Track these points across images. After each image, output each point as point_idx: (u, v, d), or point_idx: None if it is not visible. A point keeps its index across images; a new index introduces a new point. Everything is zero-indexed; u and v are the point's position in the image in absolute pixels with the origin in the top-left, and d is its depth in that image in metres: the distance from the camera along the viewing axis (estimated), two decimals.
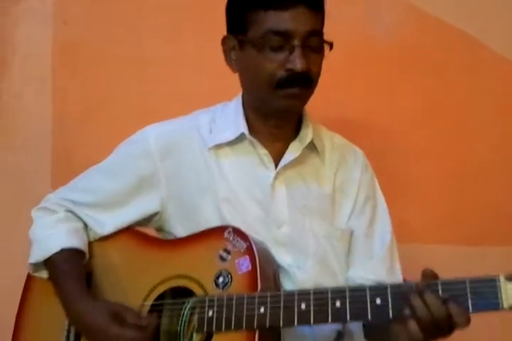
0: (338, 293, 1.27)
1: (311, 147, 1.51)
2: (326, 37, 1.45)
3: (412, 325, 1.21)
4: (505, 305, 1.16)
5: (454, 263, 1.71)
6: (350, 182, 1.54)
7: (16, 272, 1.61)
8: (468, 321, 1.19)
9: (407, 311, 1.21)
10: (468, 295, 1.18)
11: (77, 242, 1.49)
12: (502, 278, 1.17)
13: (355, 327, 1.43)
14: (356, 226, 1.52)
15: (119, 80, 2.09)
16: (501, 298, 1.16)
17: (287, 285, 1.42)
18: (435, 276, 1.22)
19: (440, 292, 1.19)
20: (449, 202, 2.02)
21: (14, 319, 1.54)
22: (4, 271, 1.99)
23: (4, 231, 2.04)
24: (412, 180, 2.05)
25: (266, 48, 1.39)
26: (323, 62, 1.45)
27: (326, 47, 1.43)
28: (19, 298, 1.55)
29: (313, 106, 1.52)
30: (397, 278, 1.48)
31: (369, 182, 1.56)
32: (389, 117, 2.03)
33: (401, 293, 1.22)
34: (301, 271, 1.44)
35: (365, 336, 1.43)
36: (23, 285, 1.56)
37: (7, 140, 2.10)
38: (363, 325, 1.43)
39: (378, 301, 1.23)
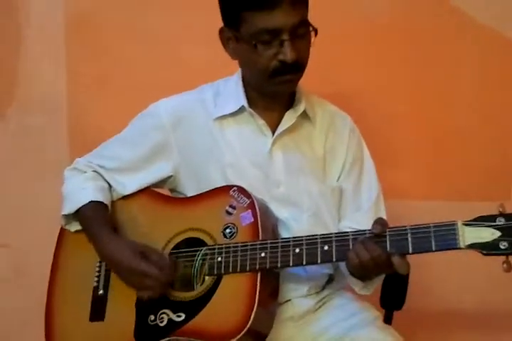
0: (326, 238, 1.58)
1: (304, 115, 1.78)
2: (316, 14, 1.66)
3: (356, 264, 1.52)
4: (462, 245, 1.47)
5: (442, 218, 1.98)
6: (340, 145, 1.80)
7: (41, 229, 1.93)
8: (406, 264, 1.50)
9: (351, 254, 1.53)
10: (432, 237, 1.50)
11: (103, 198, 1.77)
12: (459, 223, 1.49)
13: (343, 267, 1.67)
14: (346, 184, 1.79)
15: (129, 51, 2.33)
16: (459, 239, 1.47)
17: (285, 235, 1.70)
18: (385, 224, 1.53)
19: (409, 235, 1.51)
20: (436, 160, 2.31)
21: (50, 268, 1.83)
22: (31, 228, 2.29)
23: (26, 190, 2.33)
24: (400, 143, 2.36)
25: (258, 44, 1.62)
26: (317, 39, 1.66)
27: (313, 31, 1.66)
28: (50, 251, 1.84)
29: (309, 82, 1.77)
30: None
31: (356, 145, 1.82)
32: (378, 88, 2.32)
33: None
34: (297, 223, 1.73)
35: (351, 274, 1.66)
36: (47, 242, 1.84)
37: (26, 107, 2.35)
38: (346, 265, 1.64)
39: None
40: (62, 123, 2.35)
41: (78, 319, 1.72)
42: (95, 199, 1.76)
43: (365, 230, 1.57)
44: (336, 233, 1.61)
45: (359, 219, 1.75)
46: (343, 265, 1.65)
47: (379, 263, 1.52)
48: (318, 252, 1.57)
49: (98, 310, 1.72)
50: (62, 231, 1.84)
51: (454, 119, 2.33)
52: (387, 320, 1.79)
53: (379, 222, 1.56)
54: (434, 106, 2.34)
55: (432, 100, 2.34)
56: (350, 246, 1.55)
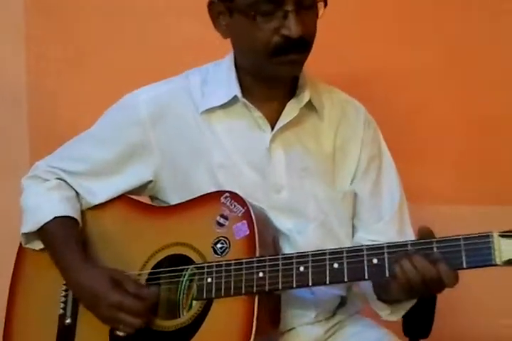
0: (336, 254, 1.55)
1: (309, 106, 1.74)
2: None
3: (404, 284, 1.50)
4: (498, 261, 1.45)
5: (473, 224, 1.90)
6: (352, 141, 1.76)
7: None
8: (456, 280, 1.49)
9: (399, 272, 1.50)
10: (463, 252, 1.47)
11: (71, 210, 1.73)
12: (495, 235, 1.46)
13: (367, 290, 1.67)
14: (361, 188, 1.75)
15: (100, 32, 2.32)
16: (494, 254, 1.45)
17: (287, 250, 1.67)
18: (431, 234, 1.51)
19: (435, 250, 1.49)
20: (467, 160, 2.31)
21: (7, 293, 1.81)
22: None
23: None
24: (426, 137, 2.33)
25: (257, 16, 1.59)
26: (330, 17, 1.64)
27: (321, 6, 1.64)
28: (8, 271, 1.83)
29: (322, 62, 1.75)
30: (410, 238, 1.65)
31: (372, 140, 1.78)
32: (400, 72, 2.30)
33: (396, 253, 1.51)
34: (302, 236, 1.69)
35: (378, 297, 1.68)
36: (9, 259, 1.83)
37: None
38: (373, 286, 1.67)
39: (375, 261, 1.52)
40: (22, 117, 2.34)
41: None
42: (61, 214, 1.73)
43: (382, 244, 1.55)
44: (347, 248, 1.58)
45: (380, 230, 1.73)
46: (361, 285, 1.64)
47: (427, 281, 1.49)
48: (327, 271, 1.55)
49: None
50: (22, 249, 1.82)
51: (491, 111, 2.31)
52: None
53: (425, 230, 1.52)
54: (467, 94, 2.32)
55: (465, 87, 2.32)
56: (365, 263, 1.53)
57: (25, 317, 1.77)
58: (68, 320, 1.71)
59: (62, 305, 1.74)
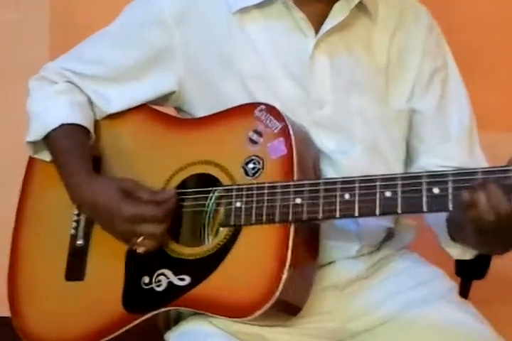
0: (389, 180, 1.40)
1: (361, 8, 1.60)
2: None
3: (473, 221, 1.33)
4: None
5: None
6: (411, 50, 1.62)
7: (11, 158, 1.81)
8: None
9: (465, 206, 1.32)
10: None
11: (81, 118, 1.63)
12: None
13: (435, 223, 1.57)
14: (423, 105, 1.63)
15: None
16: None
17: (329, 173, 1.55)
18: None
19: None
20: None
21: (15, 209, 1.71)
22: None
23: None
24: (490, 56, 2.24)
25: None
26: None
27: None
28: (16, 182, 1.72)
29: None
30: (481, 164, 1.58)
31: (437, 49, 1.65)
32: None
33: (463, 182, 1.34)
34: (347, 158, 1.57)
35: (450, 234, 1.55)
36: (19, 172, 1.73)
37: None
38: (447, 220, 1.54)
39: (436, 190, 1.35)
40: (44, 18, 2.29)
41: (50, 277, 1.64)
42: (69, 122, 1.63)
43: (446, 171, 1.39)
44: (403, 174, 1.49)
45: (448, 153, 1.62)
46: (430, 219, 1.57)
47: (502, 218, 1.31)
48: (378, 200, 1.41)
49: (76, 267, 1.63)
50: (32, 160, 1.72)
51: None
52: (464, 292, 1.75)
53: None
54: None
55: None
56: (424, 193, 1.37)
57: (33, 237, 1.69)
58: (80, 241, 1.64)
59: (74, 224, 1.65)
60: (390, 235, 1.68)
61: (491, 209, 1.31)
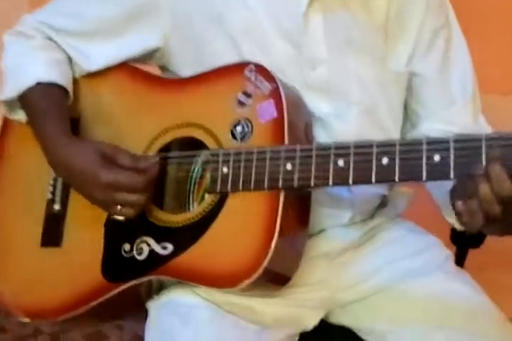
0: (386, 146, 1.34)
1: None
2: None
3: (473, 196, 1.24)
4: None
5: None
6: (411, 8, 1.56)
7: None
8: None
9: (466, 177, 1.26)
10: None
11: (58, 76, 1.58)
12: None
13: (438, 193, 1.52)
14: (424, 66, 1.58)
15: None
16: None
17: (322, 138, 1.50)
18: None
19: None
20: None
21: None
22: None
23: None
24: (487, 18, 2.22)
25: None
26: None
27: None
28: None
29: None
30: (485, 130, 1.53)
31: (439, 7, 1.59)
32: None
33: (466, 150, 1.27)
34: (341, 122, 1.52)
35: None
36: None
37: None
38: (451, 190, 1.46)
39: (437, 157, 1.29)
40: None
41: (25, 243, 1.62)
42: (46, 80, 1.58)
43: (447, 137, 1.30)
44: (402, 139, 1.45)
45: (451, 118, 1.57)
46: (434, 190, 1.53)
47: (505, 200, 1.23)
48: (374, 167, 1.35)
49: (53, 232, 1.60)
50: (7, 121, 1.69)
51: None
52: (459, 261, 1.73)
53: None
54: None
55: None
56: (424, 160, 1.32)
57: (8, 201, 1.67)
58: (57, 206, 1.61)
59: (51, 188, 1.62)
60: (384, 202, 1.67)
61: (495, 198, 1.23)
